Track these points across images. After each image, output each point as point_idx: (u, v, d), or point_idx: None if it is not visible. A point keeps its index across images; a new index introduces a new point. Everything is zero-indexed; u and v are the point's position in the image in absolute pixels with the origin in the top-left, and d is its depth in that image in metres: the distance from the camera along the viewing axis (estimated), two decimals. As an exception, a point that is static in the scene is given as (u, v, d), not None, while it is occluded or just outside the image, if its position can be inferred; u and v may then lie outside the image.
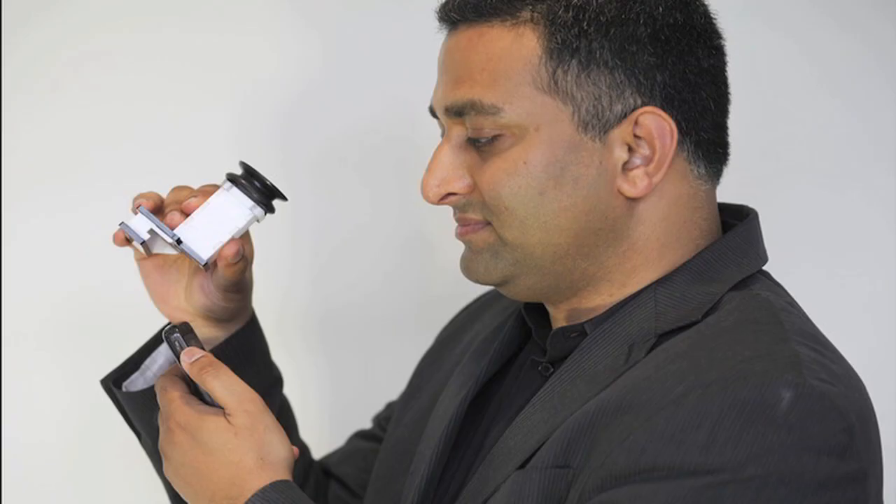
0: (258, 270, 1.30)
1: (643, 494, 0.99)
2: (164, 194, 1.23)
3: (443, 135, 1.17)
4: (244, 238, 1.24)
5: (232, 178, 1.20)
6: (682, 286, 1.12)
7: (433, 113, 1.18)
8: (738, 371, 1.01)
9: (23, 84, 1.71)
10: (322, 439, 1.68)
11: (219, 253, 1.20)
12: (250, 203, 1.20)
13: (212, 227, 1.19)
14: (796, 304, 1.15)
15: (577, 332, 1.15)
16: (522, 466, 1.08)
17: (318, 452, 1.52)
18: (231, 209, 1.20)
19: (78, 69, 1.72)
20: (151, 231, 1.18)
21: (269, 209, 1.21)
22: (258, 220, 1.21)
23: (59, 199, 1.73)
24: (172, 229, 1.18)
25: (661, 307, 1.12)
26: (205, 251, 1.18)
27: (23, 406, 1.74)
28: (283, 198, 1.21)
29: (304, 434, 1.46)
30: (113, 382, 1.27)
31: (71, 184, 1.73)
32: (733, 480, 0.98)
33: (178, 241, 1.17)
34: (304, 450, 1.44)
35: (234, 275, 1.22)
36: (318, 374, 1.80)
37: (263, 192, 1.20)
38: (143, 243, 1.18)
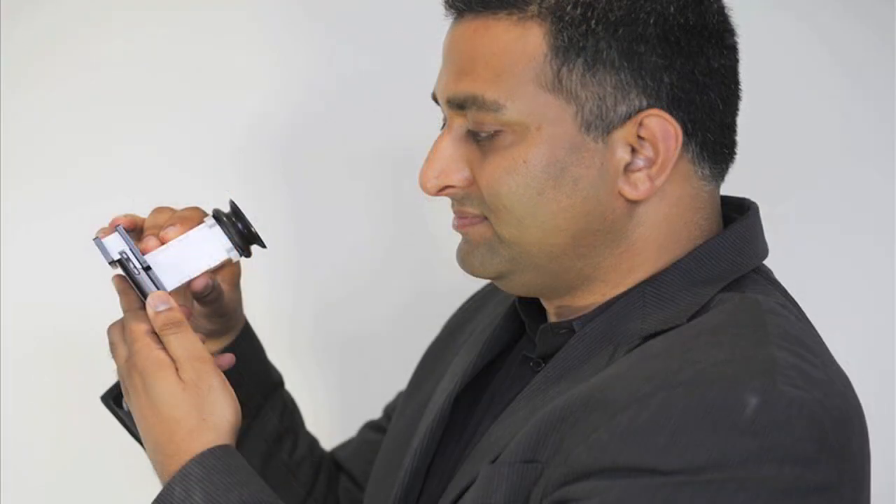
0: (261, 270, 1.30)
1: (599, 490, 0.98)
2: (145, 214, 1.23)
3: (444, 123, 1.15)
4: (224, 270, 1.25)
5: (217, 216, 1.20)
6: (672, 287, 1.11)
7: (436, 100, 1.17)
8: (708, 374, 1.00)
9: (22, 84, 1.71)
10: (332, 436, 1.67)
11: (188, 286, 1.20)
12: (229, 245, 1.20)
13: (184, 262, 1.19)
14: (792, 304, 1.14)
15: (566, 329, 1.15)
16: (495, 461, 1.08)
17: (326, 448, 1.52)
18: (207, 246, 1.19)
19: (77, 72, 1.72)
20: (122, 253, 1.17)
21: (247, 254, 1.21)
22: (232, 262, 1.22)
23: (59, 202, 1.73)
24: (144, 254, 1.17)
25: (649, 308, 1.11)
26: (170, 283, 1.18)
27: (23, 406, 1.74)
28: (263, 245, 1.21)
29: (311, 430, 1.47)
30: (113, 400, 1.28)
31: (71, 186, 1.73)
32: (689, 483, 0.97)
33: (147, 268, 1.17)
34: (313, 444, 1.44)
35: (205, 306, 1.23)
36: (322, 373, 1.81)
37: (245, 237, 1.20)
38: (111, 262, 1.17)
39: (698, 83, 1.10)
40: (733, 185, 1.19)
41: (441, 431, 1.20)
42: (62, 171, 1.73)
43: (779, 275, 1.18)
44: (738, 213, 1.18)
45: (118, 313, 1.18)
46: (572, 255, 1.12)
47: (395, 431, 1.33)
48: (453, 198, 1.15)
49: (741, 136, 1.16)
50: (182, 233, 1.19)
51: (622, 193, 1.11)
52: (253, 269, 1.37)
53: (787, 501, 0.97)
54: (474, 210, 1.14)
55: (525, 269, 1.13)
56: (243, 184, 1.73)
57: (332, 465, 1.45)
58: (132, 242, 1.17)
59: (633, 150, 1.10)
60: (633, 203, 1.11)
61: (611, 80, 1.08)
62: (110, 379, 1.29)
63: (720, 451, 0.97)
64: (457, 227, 1.16)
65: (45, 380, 1.75)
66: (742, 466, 0.97)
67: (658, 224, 1.12)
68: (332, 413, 1.79)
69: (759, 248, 1.16)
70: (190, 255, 1.19)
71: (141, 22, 1.72)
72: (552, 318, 1.18)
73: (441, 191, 1.14)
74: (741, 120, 1.16)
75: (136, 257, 1.17)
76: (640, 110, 1.09)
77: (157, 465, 1.12)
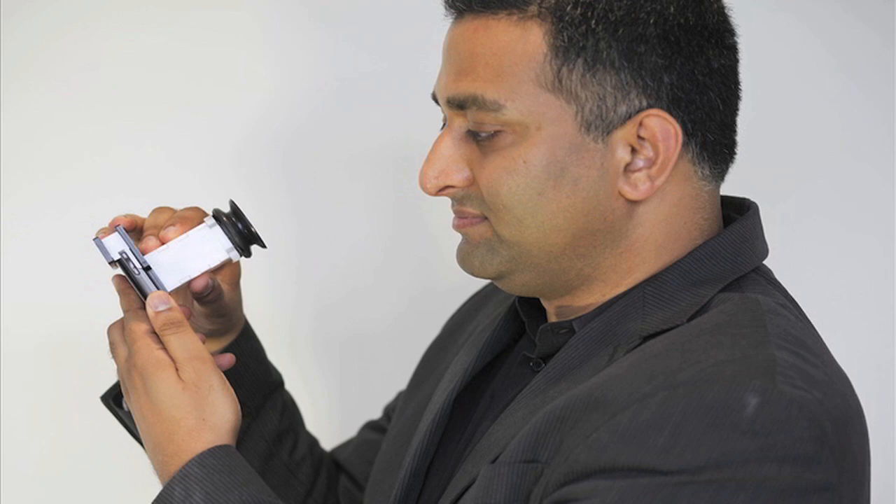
0: (261, 270, 1.30)
1: (599, 490, 0.98)
2: (145, 214, 1.23)
3: (444, 123, 1.15)
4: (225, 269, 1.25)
5: (217, 216, 1.19)
6: (672, 287, 1.11)
7: (436, 99, 1.16)
8: (708, 374, 1.00)
9: (22, 83, 1.71)
10: (332, 436, 1.67)
11: (188, 286, 1.20)
12: (229, 245, 1.20)
13: (184, 261, 1.19)
14: (792, 304, 1.14)
15: (566, 329, 1.15)
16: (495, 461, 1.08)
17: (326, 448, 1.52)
18: (207, 246, 1.20)
19: (77, 71, 1.72)
20: (122, 253, 1.17)
21: (247, 254, 1.21)
22: (232, 262, 1.21)
23: (59, 202, 1.73)
24: (144, 255, 1.17)
25: (649, 308, 1.11)
26: (170, 284, 1.18)
27: (23, 406, 1.74)
28: (263, 245, 1.21)
29: (311, 430, 1.46)
30: (113, 399, 1.28)
31: (71, 186, 1.73)
32: (690, 482, 0.97)
33: (147, 268, 1.17)
34: (314, 444, 1.44)
35: (205, 306, 1.23)
36: (322, 373, 1.81)
37: (245, 237, 1.20)
38: (111, 262, 1.17)
39: (698, 83, 1.10)
40: (733, 184, 1.19)
41: (441, 431, 1.20)
42: (62, 170, 1.73)
43: (779, 274, 1.18)
44: (739, 213, 1.18)
45: (118, 313, 1.18)
46: (572, 255, 1.12)
47: (395, 431, 1.33)
48: (453, 198, 1.15)
49: (741, 136, 1.16)
50: (182, 233, 1.19)
51: (622, 193, 1.10)
52: (253, 269, 1.37)
53: (787, 501, 0.97)
54: (474, 210, 1.14)
55: (525, 269, 1.13)
56: (243, 184, 1.73)
57: (332, 465, 1.45)
58: (132, 242, 1.17)
59: (634, 151, 1.10)
60: (633, 203, 1.11)
61: (611, 80, 1.08)
62: (110, 379, 1.29)
63: (720, 451, 0.97)
64: (457, 227, 1.16)
65: (45, 379, 1.75)
66: (742, 466, 0.97)
67: (658, 224, 1.12)
68: (332, 413, 1.79)
69: (759, 247, 1.16)
70: (190, 255, 1.19)
71: (141, 22, 1.72)
72: (552, 318, 1.18)
73: (441, 191, 1.14)
74: (741, 120, 1.16)
75: (136, 257, 1.17)
76: (641, 110, 1.09)
77: (157, 465, 1.12)
